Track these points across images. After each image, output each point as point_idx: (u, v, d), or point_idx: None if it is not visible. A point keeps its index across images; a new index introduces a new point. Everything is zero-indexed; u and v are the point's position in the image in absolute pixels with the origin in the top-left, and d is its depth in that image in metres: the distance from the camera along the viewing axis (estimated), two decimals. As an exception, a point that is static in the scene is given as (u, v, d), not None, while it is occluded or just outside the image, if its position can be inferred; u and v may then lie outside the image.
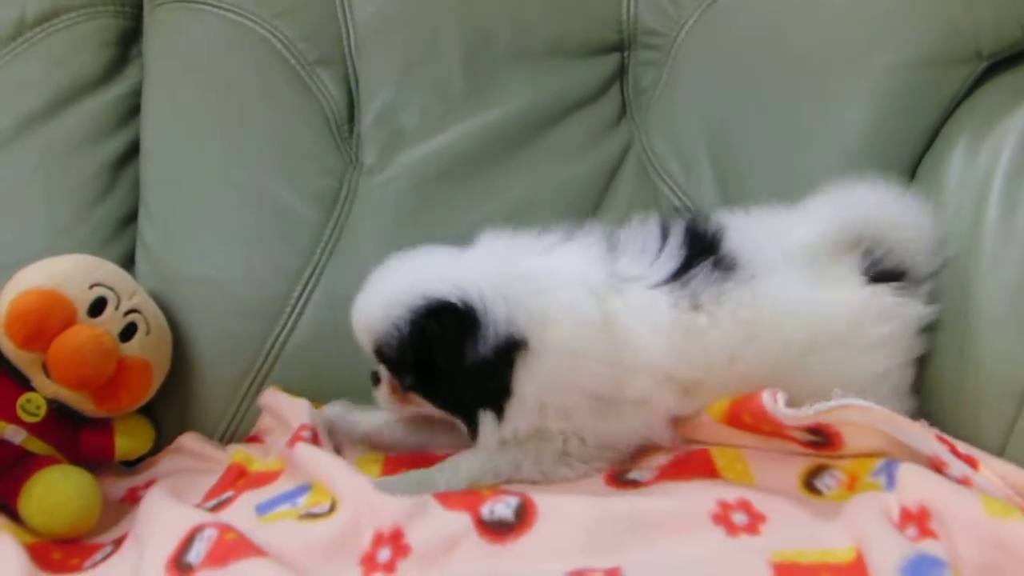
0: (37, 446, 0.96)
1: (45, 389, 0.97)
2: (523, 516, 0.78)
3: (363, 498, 0.82)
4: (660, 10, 1.18)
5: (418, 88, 1.15)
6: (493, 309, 0.84)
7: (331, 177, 1.14)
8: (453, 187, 1.11)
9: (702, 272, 0.88)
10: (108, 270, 1.05)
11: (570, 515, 0.78)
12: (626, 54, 1.20)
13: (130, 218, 1.18)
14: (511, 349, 0.84)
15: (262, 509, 0.87)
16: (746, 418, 0.84)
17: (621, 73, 1.20)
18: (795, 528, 0.76)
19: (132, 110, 1.21)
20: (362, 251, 1.09)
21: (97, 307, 1.00)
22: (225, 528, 0.80)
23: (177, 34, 1.19)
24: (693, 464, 0.88)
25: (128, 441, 1.03)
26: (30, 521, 0.91)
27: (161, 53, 1.20)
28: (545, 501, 0.79)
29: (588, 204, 1.12)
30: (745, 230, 0.92)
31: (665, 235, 0.91)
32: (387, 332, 0.87)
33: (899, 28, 1.03)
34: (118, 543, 0.88)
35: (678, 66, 1.16)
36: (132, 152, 1.19)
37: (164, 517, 0.85)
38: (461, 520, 0.78)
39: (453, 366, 0.85)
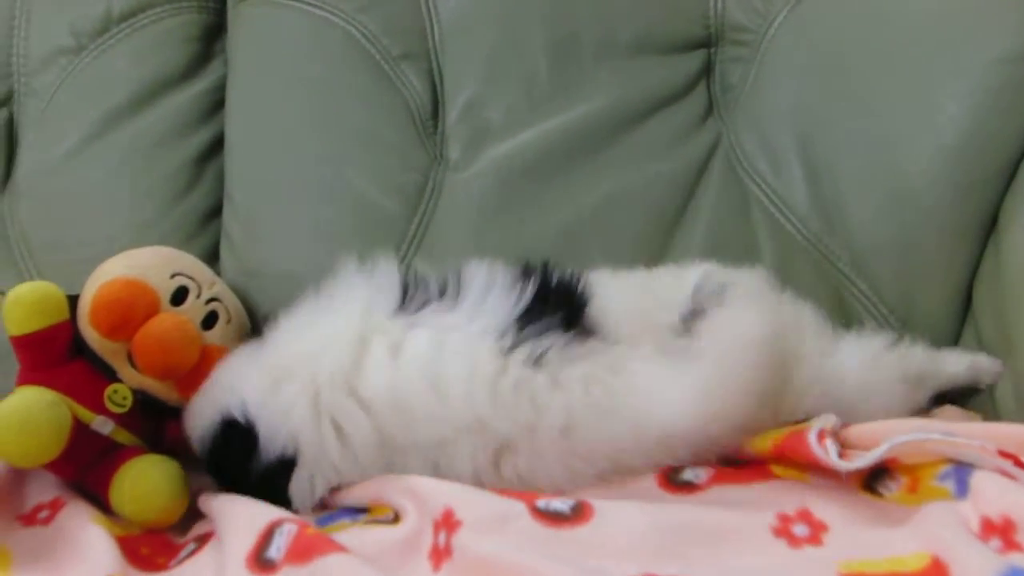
0: (124, 437, 0.95)
1: (130, 380, 0.97)
2: (579, 512, 0.77)
3: (416, 495, 0.82)
4: (749, 5, 1.16)
5: (503, 84, 1.14)
6: (267, 431, 0.87)
7: (416, 172, 1.13)
8: (540, 183, 1.10)
9: (551, 327, 0.85)
10: (187, 260, 1.05)
11: (628, 518, 0.76)
12: (713, 51, 1.18)
13: (213, 213, 1.18)
14: (283, 467, 0.87)
15: (323, 522, 0.86)
16: (796, 459, 0.82)
17: (708, 70, 1.17)
18: (859, 535, 0.74)
19: (215, 105, 1.21)
20: (448, 247, 1.08)
21: (179, 296, 1.00)
22: (304, 524, 0.79)
23: (260, 29, 1.19)
24: (749, 468, 0.86)
25: None
26: (122, 510, 0.91)
27: (245, 48, 1.20)
28: (602, 504, 0.78)
29: (676, 202, 1.10)
30: (615, 293, 0.90)
31: (500, 282, 0.89)
32: (197, 436, 0.93)
33: (1000, 21, 1.00)
34: (202, 540, 0.87)
35: (767, 62, 1.14)
36: (215, 147, 1.20)
37: (241, 513, 0.84)
38: (515, 504, 0.77)
39: (240, 479, 0.89)
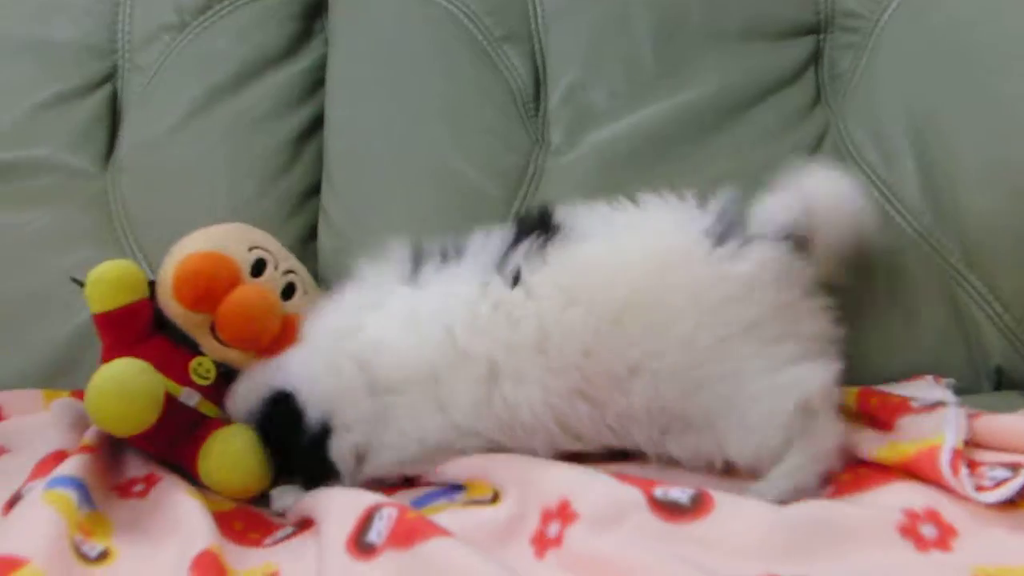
0: (210, 409, 0.96)
1: (213, 352, 0.98)
2: (699, 502, 0.74)
3: (525, 477, 0.80)
4: (861, -9, 1.12)
5: (607, 67, 1.12)
6: (304, 396, 0.90)
7: (517, 155, 1.11)
8: (643, 169, 1.07)
9: (524, 246, 0.88)
10: (261, 235, 1.05)
11: (749, 513, 0.74)
12: (822, 37, 1.14)
13: (311, 192, 1.18)
14: (324, 435, 0.90)
15: (418, 503, 0.85)
16: (927, 476, 0.78)
17: (816, 57, 1.14)
18: (992, 541, 0.71)
19: (315, 84, 1.21)
20: (549, 232, 1.06)
21: (258, 268, 1.00)
22: (404, 508, 0.78)
23: (362, 8, 1.19)
24: (871, 474, 0.82)
25: None
26: (209, 479, 0.92)
27: (346, 27, 1.19)
28: (723, 496, 0.75)
29: (783, 191, 1.08)
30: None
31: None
32: (247, 418, 0.94)
33: None
34: (301, 526, 0.87)
35: (879, 50, 1.10)
36: (314, 126, 1.19)
37: (338, 498, 0.84)
38: (632, 493, 0.75)
39: (294, 452, 0.91)
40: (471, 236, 0.92)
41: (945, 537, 0.72)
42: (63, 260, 1.12)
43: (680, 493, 0.75)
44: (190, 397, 0.95)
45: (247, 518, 0.90)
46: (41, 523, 0.78)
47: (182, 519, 0.84)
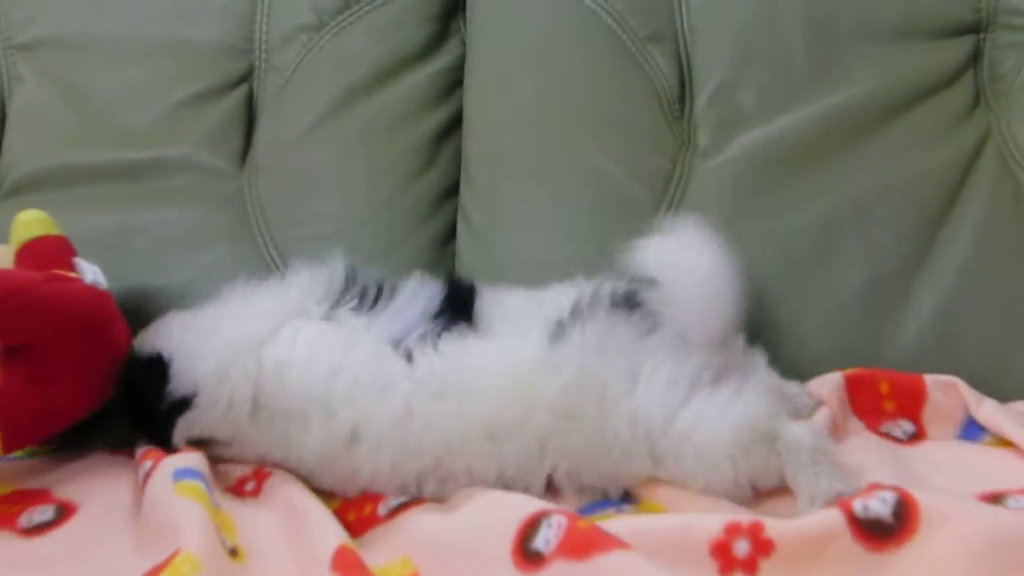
0: None
1: None
2: (903, 518, 0.68)
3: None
4: (1027, -12, 1.07)
5: (756, 67, 1.08)
6: (178, 369, 0.91)
7: (664, 158, 1.08)
8: (794, 173, 1.04)
9: (434, 324, 0.90)
10: None
11: (960, 528, 0.67)
12: (982, 36, 1.09)
13: (448, 193, 1.17)
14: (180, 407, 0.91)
15: (584, 511, 0.82)
16: None
17: (975, 57, 1.09)
18: None
19: (452, 85, 1.19)
20: (697, 237, 1.03)
21: None
22: (574, 516, 0.74)
23: (502, 8, 1.17)
24: None
25: None
26: None
27: (485, 27, 1.18)
28: (929, 502, 0.69)
29: (942, 197, 1.03)
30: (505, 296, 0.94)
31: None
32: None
33: None
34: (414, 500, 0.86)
35: (1046, 49, 1.05)
36: (451, 127, 1.18)
37: (498, 501, 0.81)
38: (831, 516, 0.70)
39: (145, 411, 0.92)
40: (405, 284, 0.94)
41: None
42: (200, 259, 1.13)
43: (881, 505, 0.69)
44: None
45: (356, 504, 0.88)
46: (184, 512, 0.77)
47: (302, 516, 0.82)
